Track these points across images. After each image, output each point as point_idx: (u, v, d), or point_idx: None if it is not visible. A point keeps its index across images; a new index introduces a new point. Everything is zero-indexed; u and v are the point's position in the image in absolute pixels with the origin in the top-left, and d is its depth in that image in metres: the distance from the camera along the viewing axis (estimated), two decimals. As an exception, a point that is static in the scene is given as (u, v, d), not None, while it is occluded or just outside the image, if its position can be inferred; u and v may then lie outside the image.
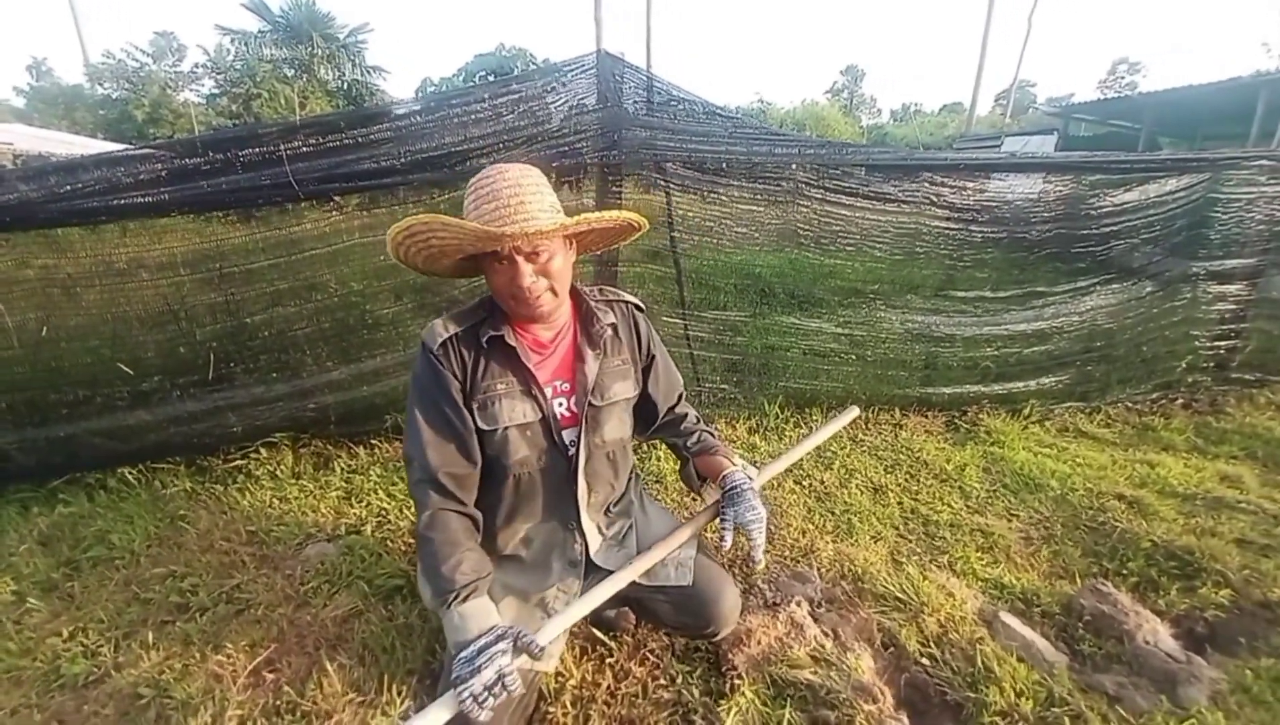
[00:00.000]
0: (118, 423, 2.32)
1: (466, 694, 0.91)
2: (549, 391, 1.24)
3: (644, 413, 1.44)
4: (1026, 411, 3.11)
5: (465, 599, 1.06)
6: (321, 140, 2.05)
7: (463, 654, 0.97)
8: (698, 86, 2.55)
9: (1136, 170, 3.00)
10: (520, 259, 1.09)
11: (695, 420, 1.49)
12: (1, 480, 2.29)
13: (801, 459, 2.27)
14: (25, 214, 1.97)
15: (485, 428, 1.19)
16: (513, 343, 1.19)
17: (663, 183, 2.58)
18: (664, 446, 1.71)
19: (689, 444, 1.44)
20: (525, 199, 1.07)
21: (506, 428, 1.20)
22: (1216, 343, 3.32)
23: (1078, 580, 1.90)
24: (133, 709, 1.39)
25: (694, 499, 2.34)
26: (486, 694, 0.92)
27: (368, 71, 23.09)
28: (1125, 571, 1.95)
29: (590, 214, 1.14)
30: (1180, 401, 3.31)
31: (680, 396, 1.49)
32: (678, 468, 1.50)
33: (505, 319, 1.21)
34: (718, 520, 1.26)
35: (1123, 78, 44.06)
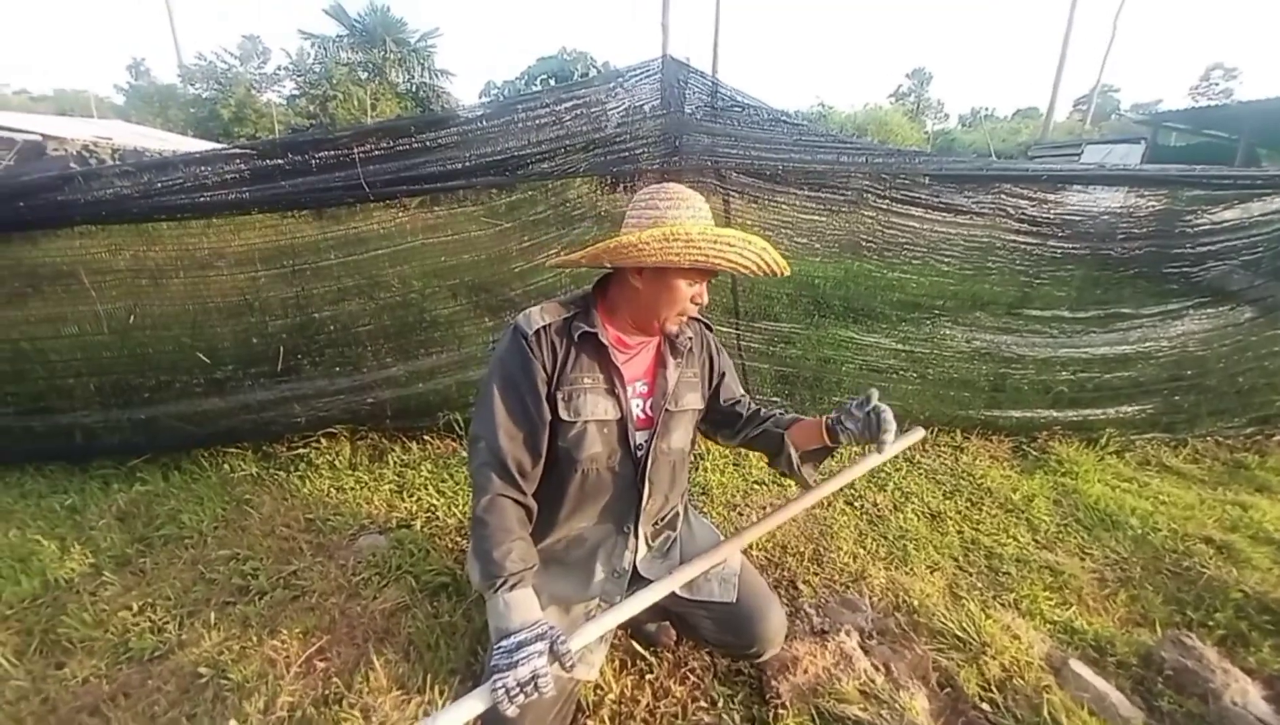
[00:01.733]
0: (193, 407, 2.45)
1: (500, 686, 0.92)
2: (629, 391, 1.26)
3: (729, 417, 1.44)
4: (1104, 441, 2.90)
5: (512, 587, 1.07)
6: (392, 144, 2.11)
7: (503, 644, 0.99)
8: (757, 89, 2.51)
9: (1240, 186, 2.76)
10: (707, 282, 1.22)
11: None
12: (87, 457, 2.46)
13: (856, 478, 2.18)
14: (120, 208, 2.11)
15: (567, 419, 1.20)
16: (605, 342, 1.21)
17: (722, 190, 2.54)
18: (752, 454, 1.72)
19: (779, 418, 1.41)
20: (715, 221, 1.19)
21: (587, 422, 1.21)
22: (1323, 376, 3.03)
23: (1158, 629, 1.75)
24: (193, 687, 1.46)
25: (740, 514, 2.29)
26: (519, 691, 0.93)
27: (435, 75, 23.87)
28: (1211, 623, 1.79)
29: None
30: (1278, 438, 3.03)
31: (746, 397, 1.49)
32: (768, 461, 1.44)
33: (600, 318, 1.23)
34: (841, 420, 1.25)
35: (1217, 84, 41.11)
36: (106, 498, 2.24)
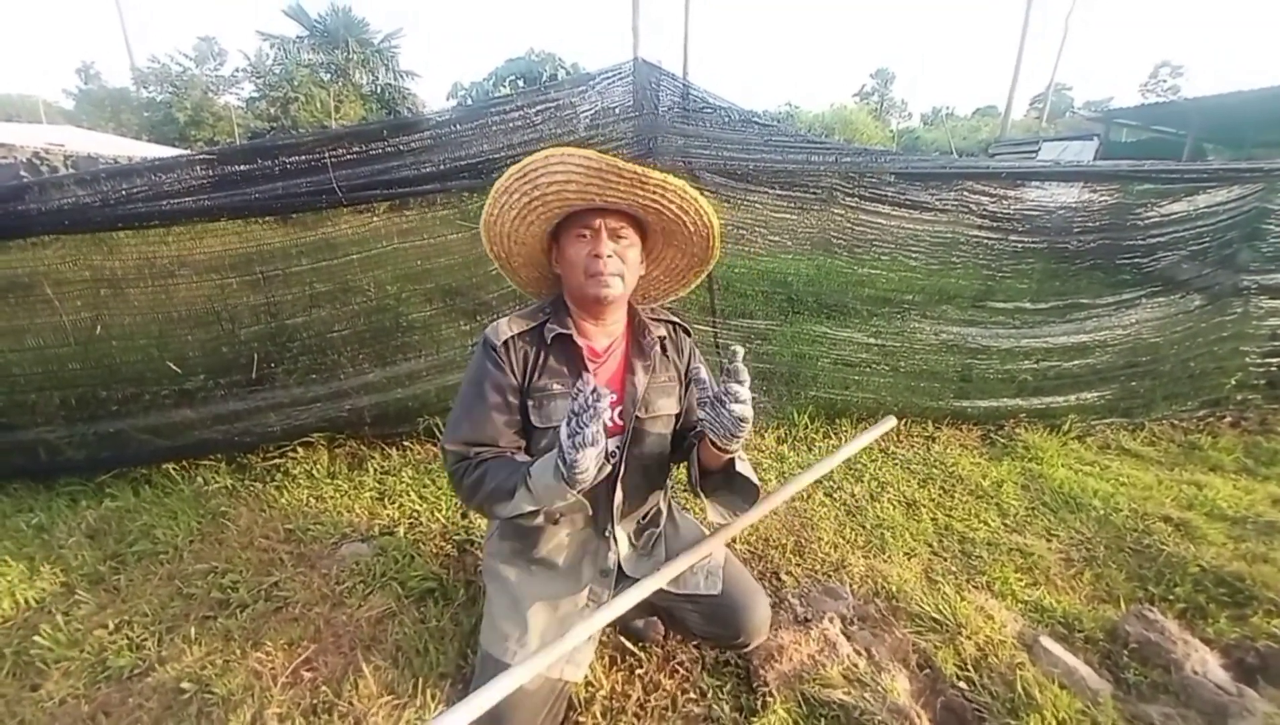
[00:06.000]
0: (163, 420, 2.39)
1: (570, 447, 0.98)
2: None
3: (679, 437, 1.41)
4: (1066, 427, 3.02)
5: (530, 470, 1.09)
6: (365, 148, 2.10)
7: (563, 446, 1.00)
8: (726, 91, 2.55)
9: (1186, 180, 2.90)
10: (604, 232, 1.16)
11: None
12: (52, 473, 2.38)
13: (832, 469, 2.24)
14: (80, 217, 2.05)
15: (539, 425, 1.22)
16: (579, 342, 1.23)
17: (697, 190, 2.57)
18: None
19: (691, 436, 1.36)
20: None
21: (558, 427, 1.21)
22: (1268, 360, 3.19)
23: (1122, 605, 1.83)
24: (176, 703, 1.43)
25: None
26: (583, 411, 0.97)
27: (400, 76, 23.56)
28: (1172, 597, 1.88)
29: (676, 181, 1.15)
30: (1229, 420, 3.19)
31: None
32: (685, 477, 1.40)
33: (569, 319, 1.24)
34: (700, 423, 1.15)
35: (1165, 81, 42.81)
36: (75, 515, 2.17)
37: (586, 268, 1.17)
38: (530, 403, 1.21)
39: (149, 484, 2.37)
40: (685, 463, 1.38)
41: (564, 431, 0.99)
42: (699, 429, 1.25)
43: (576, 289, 1.21)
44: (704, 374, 1.13)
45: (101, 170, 2.14)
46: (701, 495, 1.31)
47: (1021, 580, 1.94)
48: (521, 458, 1.18)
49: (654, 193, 1.14)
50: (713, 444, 1.14)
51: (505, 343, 1.20)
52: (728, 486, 1.27)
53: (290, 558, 1.96)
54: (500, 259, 1.30)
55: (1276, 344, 3.19)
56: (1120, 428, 3.10)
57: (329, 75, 21.76)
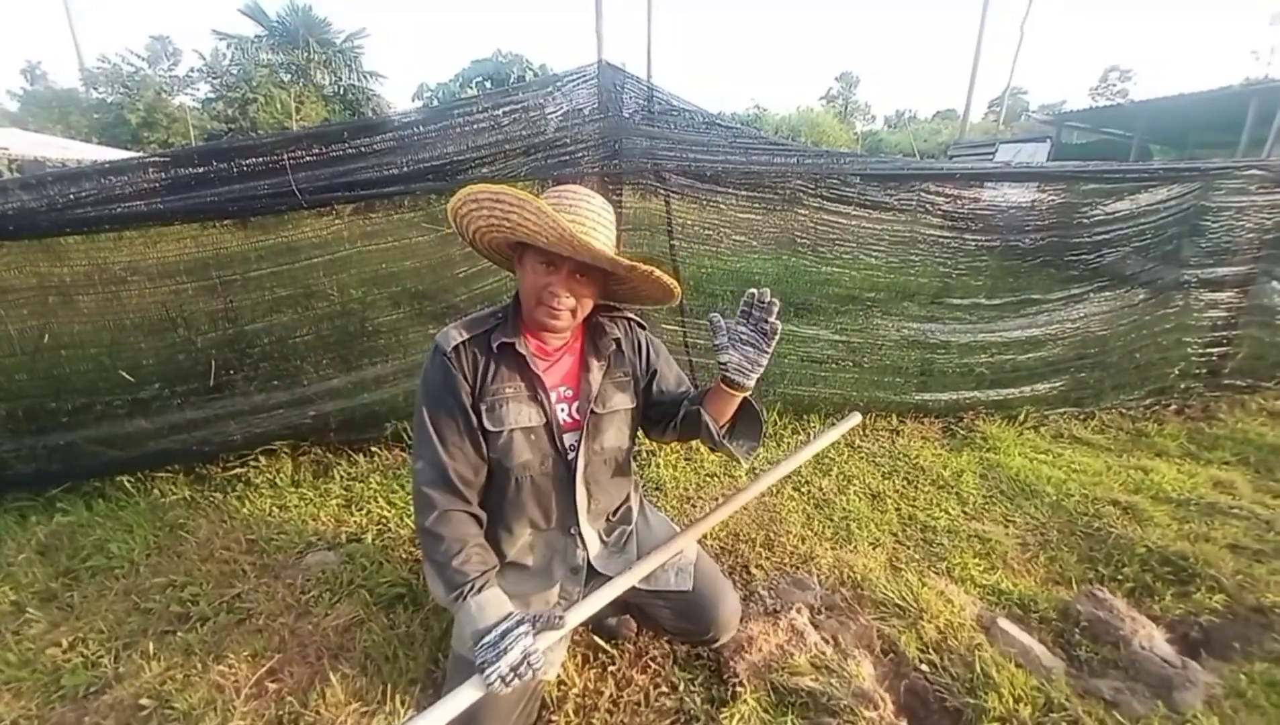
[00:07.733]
0: (117, 430, 2.32)
1: (494, 675, 0.96)
2: (553, 397, 1.28)
3: (663, 414, 1.39)
4: (1022, 417, 3.14)
5: (480, 589, 1.09)
6: (325, 150, 2.06)
7: (485, 640, 1.01)
8: (694, 94, 2.60)
9: (1129, 180, 3.03)
10: (564, 275, 1.16)
11: None
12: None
13: (801, 465, 2.29)
14: (27, 222, 1.98)
15: (491, 429, 1.22)
16: (523, 351, 1.22)
17: (662, 191, 2.60)
18: (703, 447, 1.64)
19: (693, 396, 1.36)
20: (599, 226, 1.16)
21: (512, 430, 1.23)
22: (1209, 349, 3.36)
23: (1074, 586, 1.91)
24: (134, 720, 1.39)
25: (694, 507, 2.35)
26: (513, 675, 0.97)
27: (364, 77, 23.16)
28: (1120, 577, 1.96)
29: (645, 266, 1.17)
30: (1173, 407, 3.34)
31: (689, 389, 1.46)
32: (704, 443, 1.34)
33: (518, 327, 1.24)
34: (721, 363, 1.19)
35: (1114, 85, 44.50)
36: (24, 531, 2.10)
37: (540, 297, 1.17)
38: (483, 407, 1.21)
39: (102, 497, 2.30)
40: (685, 434, 1.37)
41: (489, 652, 0.99)
42: (700, 389, 1.32)
43: (527, 309, 1.22)
44: (719, 320, 1.19)
45: (48, 173, 2.07)
46: (724, 445, 1.30)
47: (980, 565, 2.01)
48: (475, 553, 1.15)
49: (625, 271, 1.18)
50: (729, 384, 1.19)
51: (455, 349, 1.20)
52: (743, 423, 1.30)
53: (253, 568, 1.92)
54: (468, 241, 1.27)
55: (1216, 334, 3.35)
56: (1072, 417, 3.23)
57: (289, 76, 21.27)
